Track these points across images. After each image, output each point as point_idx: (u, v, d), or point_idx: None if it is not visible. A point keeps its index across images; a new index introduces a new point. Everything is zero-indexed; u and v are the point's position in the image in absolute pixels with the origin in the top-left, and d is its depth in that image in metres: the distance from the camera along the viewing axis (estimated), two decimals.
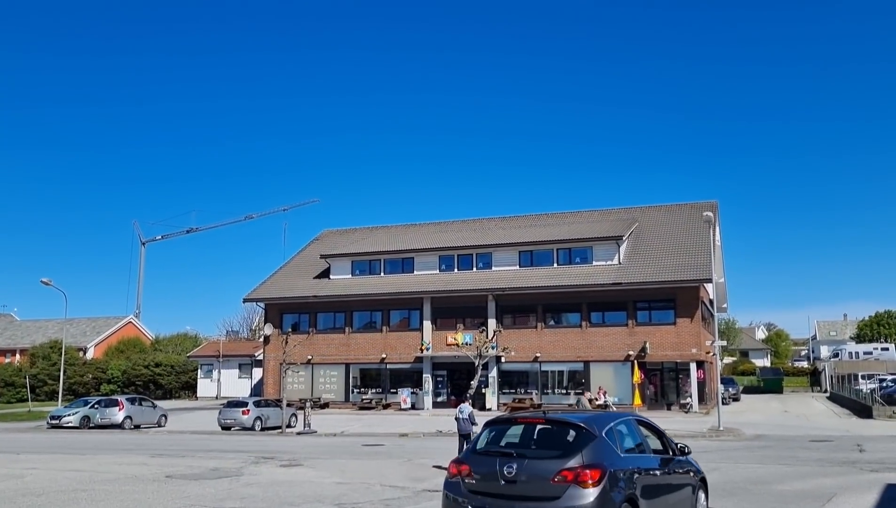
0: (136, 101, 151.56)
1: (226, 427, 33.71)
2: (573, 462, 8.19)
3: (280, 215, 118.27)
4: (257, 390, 52.41)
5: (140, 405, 38.11)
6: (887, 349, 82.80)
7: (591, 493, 7.93)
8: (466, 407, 20.26)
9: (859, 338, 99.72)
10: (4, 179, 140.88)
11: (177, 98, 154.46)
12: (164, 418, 38.04)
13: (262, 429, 33.85)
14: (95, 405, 37.62)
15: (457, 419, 20.16)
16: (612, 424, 9.15)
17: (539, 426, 9.28)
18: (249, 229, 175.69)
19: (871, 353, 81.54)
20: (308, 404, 33.40)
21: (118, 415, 36.38)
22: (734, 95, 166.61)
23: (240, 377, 59.77)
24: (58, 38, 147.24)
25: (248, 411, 33.71)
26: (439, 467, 17.71)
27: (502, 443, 9.21)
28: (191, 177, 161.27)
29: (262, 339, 51.58)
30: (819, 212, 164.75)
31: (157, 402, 56.50)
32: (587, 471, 8.06)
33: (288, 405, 37.79)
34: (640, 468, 8.90)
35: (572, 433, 8.73)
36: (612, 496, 8.06)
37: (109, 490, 15.14)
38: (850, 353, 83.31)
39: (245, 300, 49.51)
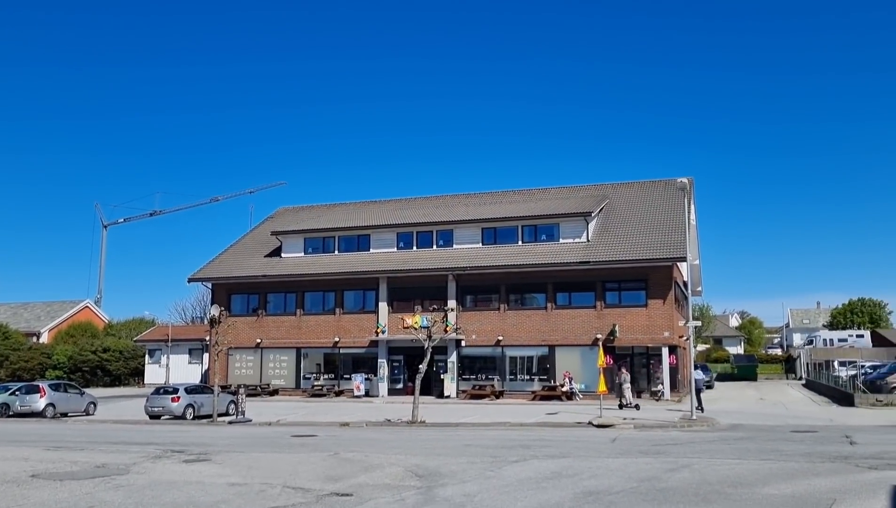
0: (101, 89, 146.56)
1: (154, 416, 30.64)
2: None
3: (246, 197, 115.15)
4: (207, 376, 49.32)
5: (65, 391, 34.82)
6: (862, 336, 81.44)
7: None
8: (700, 373, 29.31)
9: (832, 326, 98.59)
10: None
11: (142, 84, 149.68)
12: (92, 405, 34.80)
13: (195, 418, 30.82)
14: (16, 392, 34.26)
15: (696, 379, 27.88)
16: None
17: None
18: (215, 211, 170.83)
19: (845, 340, 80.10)
20: (242, 390, 30.38)
21: (39, 403, 33.10)
22: (714, 85, 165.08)
23: (190, 363, 56.50)
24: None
25: (179, 398, 30.60)
26: None
27: None
28: (155, 159, 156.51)
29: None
30: (791, 201, 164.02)
31: (101, 388, 53.77)
32: None
33: (232, 392, 34.91)
34: None
35: None
36: None
37: None
38: (825, 340, 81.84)
39: (190, 280, 46.26)
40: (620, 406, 30.69)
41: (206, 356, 53.95)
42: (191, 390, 32.10)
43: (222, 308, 35.12)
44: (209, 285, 47.04)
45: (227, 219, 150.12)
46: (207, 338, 50.85)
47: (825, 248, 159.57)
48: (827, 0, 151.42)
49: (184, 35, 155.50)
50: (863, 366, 46.06)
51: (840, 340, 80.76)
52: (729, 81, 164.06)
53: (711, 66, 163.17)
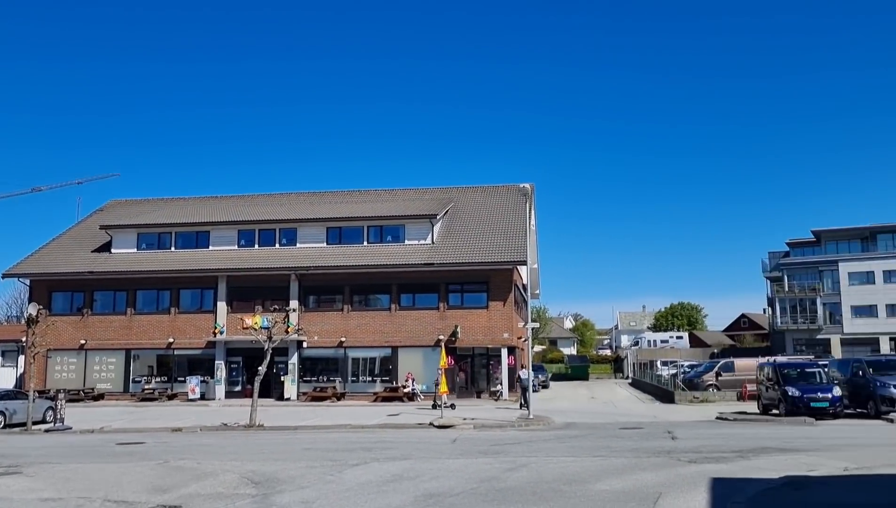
0: None
1: None
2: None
3: (74, 188, 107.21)
4: (22, 380, 45.39)
5: None
6: (681, 337, 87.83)
7: None
8: (525, 372, 30.38)
9: (655, 327, 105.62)
10: None
11: None
12: None
13: (6, 426, 28.07)
14: None
15: (520, 378, 31.44)
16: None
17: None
18: (37, 203, 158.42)
19: (667, 341, 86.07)
20: (62, 395, 28.12)
21: None
22: (559, 85, 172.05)
23: (3, 366, 51.68)
24: None
25: None
26: None
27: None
28: None
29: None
30: (622, 206, 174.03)
31: None
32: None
33: (50, 397, 32.22)
34: None
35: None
36: None
37: None
38: (649, 341, 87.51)
39: (4, 276, 42.31)
40: (434, 406, 30.91)
41: (21, 358, 49.73)
42: (2, 395, 29.30)
43: (41, 307, 32.23)
44: (27, 281, 43.36)
45: (50, 212, 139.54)
46: (24, 339, 46.84)
47: (651, 252, 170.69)
48: (673, 2, 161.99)
49: (34, 30, 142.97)
50: (682, 365, 49.51)
51: (662, 341, 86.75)
52: (574, 79, 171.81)
53: (552, 62, 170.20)
